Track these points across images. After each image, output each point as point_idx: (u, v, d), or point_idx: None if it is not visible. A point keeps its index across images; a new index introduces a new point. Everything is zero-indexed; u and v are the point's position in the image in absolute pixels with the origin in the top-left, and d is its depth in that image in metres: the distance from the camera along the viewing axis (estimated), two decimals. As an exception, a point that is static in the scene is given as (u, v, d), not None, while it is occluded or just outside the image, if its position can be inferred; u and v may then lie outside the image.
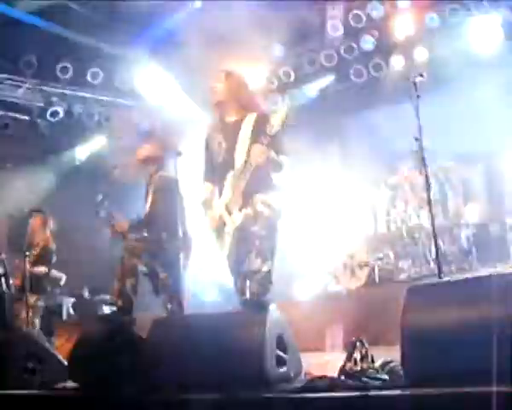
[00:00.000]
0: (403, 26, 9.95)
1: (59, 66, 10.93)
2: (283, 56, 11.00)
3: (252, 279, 4.99)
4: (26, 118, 11.71)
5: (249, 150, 5.13)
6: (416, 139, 5.53)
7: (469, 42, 9.68)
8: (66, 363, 5.30)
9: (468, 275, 6.51)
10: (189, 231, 6.39)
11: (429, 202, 5.48)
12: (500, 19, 9.42)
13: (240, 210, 5.16)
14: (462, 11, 9.56)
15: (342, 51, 10.70)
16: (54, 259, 8.87)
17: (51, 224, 8.76)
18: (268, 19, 8.92)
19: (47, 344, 5.98)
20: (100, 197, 6.54)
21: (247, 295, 5.02)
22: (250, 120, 5.30)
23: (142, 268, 5.94)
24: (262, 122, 5.15)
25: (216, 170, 5.40)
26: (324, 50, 10.89)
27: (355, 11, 10.18)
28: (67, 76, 11.05)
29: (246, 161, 5.13)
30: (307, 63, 11.18)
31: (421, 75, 5.64)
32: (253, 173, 5.06)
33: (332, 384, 3.84)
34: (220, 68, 5.56)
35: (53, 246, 8.67)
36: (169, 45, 10.20)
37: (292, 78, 11.23)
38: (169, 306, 6.25)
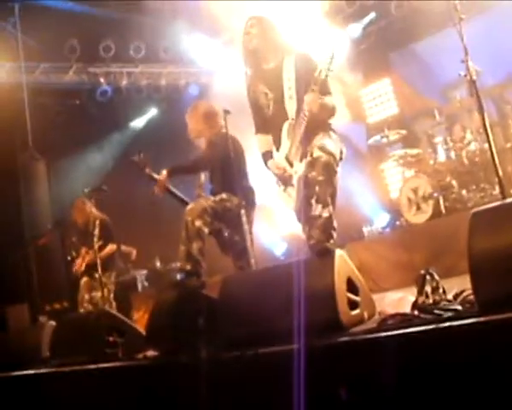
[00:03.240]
0: None
1: (101, 45, 11.04)
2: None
3: (314, 225, 5.00)
4: (77, 102, 11.90)
5: (299, 99, 5.11)
6: (462, 62, 5.40)
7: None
8: (145, 334, 5.44)
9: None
10: (251, 186, 6.38)
11: (484, 124, 5.35)
12: None
13: (300, 160, 5.16)
14: None
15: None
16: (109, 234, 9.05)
17: (92, 203, 8.92)
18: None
19: (125, 318, 6.15)
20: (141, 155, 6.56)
21: (312, 242, 5.04)
22: (289, 63, 5.26)
23: (205, 229, 5.93)
24: (304, 64, 5.12)
25: (268, 122, 5.40)
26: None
27: None
28: (111, 54, 11.16)
29: (298, 110, 5.12)
30: (346, 5, 11.04)
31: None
32: (308, 122, 5.04)
33: (404, 320, 3.83)
34: (250, 15, 5.51)
35: (100, 222, 8.72)
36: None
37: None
38: (238, 263, 6.30)
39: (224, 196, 6.13)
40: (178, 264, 5.95)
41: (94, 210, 8.94)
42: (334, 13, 10.99)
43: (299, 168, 5.19)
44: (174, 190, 6.51)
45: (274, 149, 5.39)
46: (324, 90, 5.10)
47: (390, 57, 11.82)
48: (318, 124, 5.15)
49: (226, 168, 5.96)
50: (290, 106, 5.20)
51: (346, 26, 11.29)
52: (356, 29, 11.35)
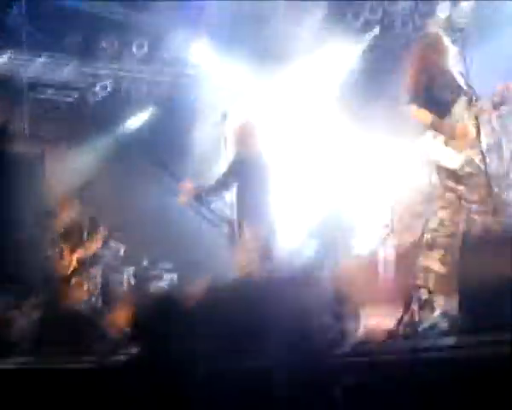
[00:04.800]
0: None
1: (103, 42, 11.03)
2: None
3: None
4: (75, 97, 11.88)
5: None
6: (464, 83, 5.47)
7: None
8: (124, 332, 5.42)
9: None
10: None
11: (480, 145, 5.41)
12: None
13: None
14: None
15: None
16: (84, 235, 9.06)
17: (79, 200, 8.98)
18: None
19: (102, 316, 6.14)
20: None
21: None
22: None
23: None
24: None
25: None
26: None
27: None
28: (112, 51, 11.15)
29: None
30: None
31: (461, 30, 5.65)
32: None
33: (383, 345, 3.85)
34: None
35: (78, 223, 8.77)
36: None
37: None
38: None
39: None
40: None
41: (80, 207, 8.98)
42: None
43: None
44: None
45: None
46: None
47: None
48: None
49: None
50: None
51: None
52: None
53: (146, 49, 11.35)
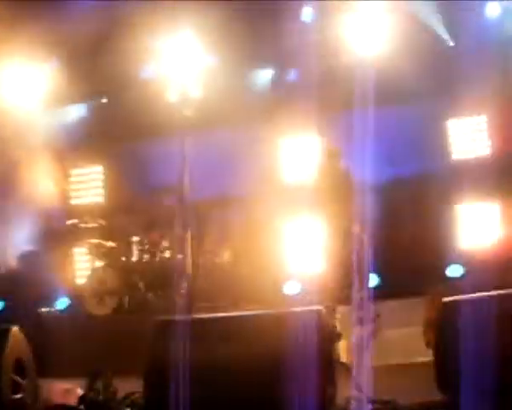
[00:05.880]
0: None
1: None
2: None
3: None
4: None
5: None
6: (179, 174, 5.62)
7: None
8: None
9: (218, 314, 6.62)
10: None
11: (184, 236, 5.57)
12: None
13: None
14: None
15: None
16: None
17: None
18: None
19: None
20: None
21: None
22: None
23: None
24: None
25: None
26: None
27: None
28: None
29: None
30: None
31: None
32: None
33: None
34: None
35: None
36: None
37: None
38: None
39: None
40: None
41: None
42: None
43: None
44: None
45: None
46: None
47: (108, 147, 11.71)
48: None
49: None
50: None
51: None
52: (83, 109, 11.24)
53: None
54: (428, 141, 9.75)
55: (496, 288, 5.30)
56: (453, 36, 9.62)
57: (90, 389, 4.15)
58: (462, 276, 8.70)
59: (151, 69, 10.17)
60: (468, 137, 10.23)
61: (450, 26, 9.66)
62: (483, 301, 4.18)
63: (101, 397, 4.05)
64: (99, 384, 4.21)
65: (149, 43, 9.66)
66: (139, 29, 9.37)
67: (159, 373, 3.71)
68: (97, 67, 10.44)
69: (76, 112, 11.30)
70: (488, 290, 4.70)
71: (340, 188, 7.52)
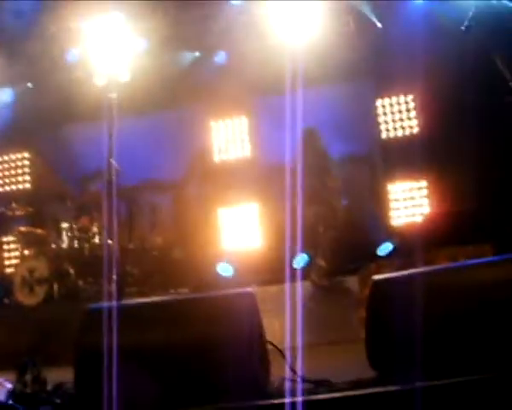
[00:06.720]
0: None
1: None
2: None
3: None
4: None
5: None
6: (107, 159, 5.54)
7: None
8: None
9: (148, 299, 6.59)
10: None
11: (112, 223, 5.49)
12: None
13: None
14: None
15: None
16: None
17: None
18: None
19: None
20: None
21: None
22: None
23: None
24: None
25: None
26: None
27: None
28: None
29: None
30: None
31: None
32: None
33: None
34: None
35: None
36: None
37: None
38: None
39: None
40: None
41: None
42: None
43: None
44: None
45: None
46: None
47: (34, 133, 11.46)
48: None
49: None
50: None
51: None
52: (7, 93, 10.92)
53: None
54: (358, 121, 9.88)
55: (424, 264, 5.42)
56: (380, 18, 9.72)
57: (17, 382, 4.03)
58: (393, 253, 8.84)
59: (77, 53, 9.97)
60: (396, 116, 10.41)
61: (378, 9, 9.75)
62: (412, 277, 4.24)
63: (28, 390, 3.94)
64: (28, 376, 4.10)
65: (75, 26, 9.49)
66: (65, 11, 9.17)
67: (89, 362, 3.65)
68: (22, 51, 10.14)
69: (0, 97, 10.97)
70: (417, 267, 4.80)
71: (319, 165, 8.12)
